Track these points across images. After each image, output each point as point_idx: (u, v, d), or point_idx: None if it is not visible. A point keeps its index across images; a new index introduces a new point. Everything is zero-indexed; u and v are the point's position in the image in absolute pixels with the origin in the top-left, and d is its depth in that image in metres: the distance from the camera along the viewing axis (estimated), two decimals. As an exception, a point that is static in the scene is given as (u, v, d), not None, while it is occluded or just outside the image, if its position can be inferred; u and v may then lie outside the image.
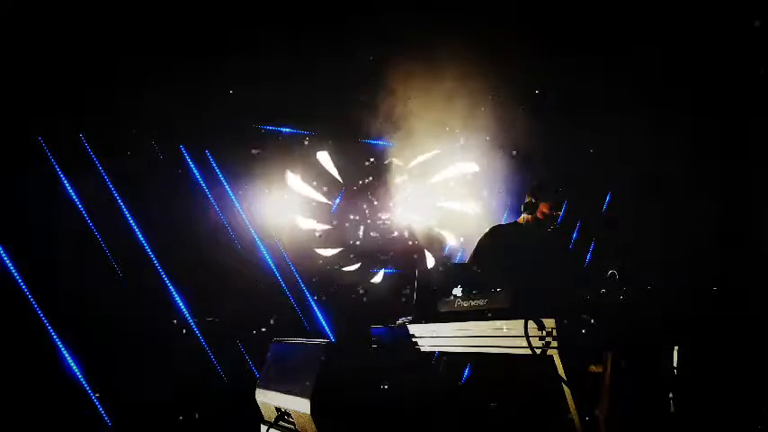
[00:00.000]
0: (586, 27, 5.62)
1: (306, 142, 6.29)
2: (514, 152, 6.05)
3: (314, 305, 6.22)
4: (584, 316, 2.89)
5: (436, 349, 3.69)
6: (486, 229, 4.55)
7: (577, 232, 6.69)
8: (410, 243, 6.43)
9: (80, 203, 5.38)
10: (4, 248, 5.03)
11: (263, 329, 5.76)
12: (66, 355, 5.11)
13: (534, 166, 6.20)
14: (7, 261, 5.03)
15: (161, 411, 5.23)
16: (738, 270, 4.96)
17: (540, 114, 5.96)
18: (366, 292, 6.29)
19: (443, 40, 5.36)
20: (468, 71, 5.62)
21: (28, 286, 5.06)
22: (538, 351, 2.87)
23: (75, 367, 5.13)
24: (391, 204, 6.35)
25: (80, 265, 5.25)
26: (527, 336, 2.86)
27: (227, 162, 6.06)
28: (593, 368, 2.94)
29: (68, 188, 5.36)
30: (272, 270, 6.12)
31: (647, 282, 3.08)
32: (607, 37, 5.61)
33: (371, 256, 6.38)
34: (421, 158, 6.18)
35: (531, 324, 2.89)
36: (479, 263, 4.32)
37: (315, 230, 6.26)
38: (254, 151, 5.95)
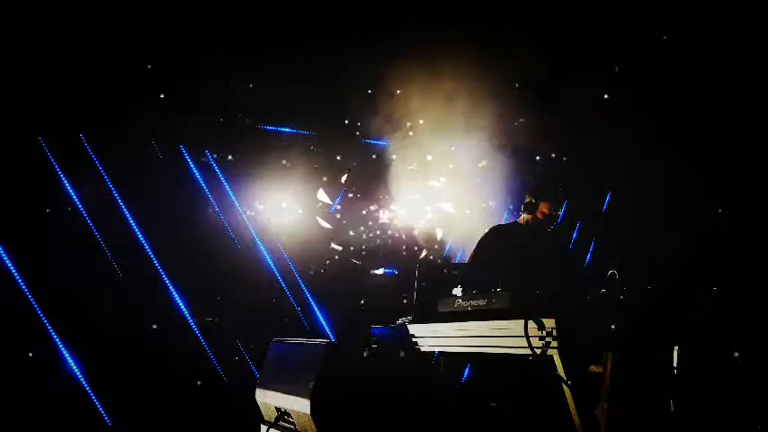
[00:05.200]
0: (586, 26, 5.62)
1: (305, 142, 6.29)
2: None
3: (314, 305, 6.22)
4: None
5: (436, 349, 3.69)
6: (487, 230, 4.55)
7: (577, 232, 6.69)
8: (410, 243, 6.43)
9: (80, 203, 5.38)
10: (4, 248, 5.03)
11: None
12: (67, 355, 5.11)
13: (534, 167, 6.21)
14: (7, 261, 5.03)
15: (161, 411, 5.23)
16: (738, 270, 4.97)
17: (539, 114, 5.96)
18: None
19: (444, 39, 5.37)
20: (468, 71, 5.62)
21: (28, 286, 5.06)
22: (538, 351, 2.87)
23: (75, 367, 5.13)
24: (391, 204, 6.35)
25: (80, 265, 5.25)
26: (527, 336, 2.86)
27: (227, 162, 6.06)
28: (593, 368, 2.94)
29: (68, 188, 5.36)
30: (272, 270, 6.12)
31: (647, 282, 3.08)
32: (608, 36, 5.62)
33: (372, 255, 6.38)
34: (421, 158, 6.18)
35: (531, 324, 2.89)
36: (479, 263, 4.32)
37: (315, 230, 6.26)
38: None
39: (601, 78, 5.83)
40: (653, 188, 6.06)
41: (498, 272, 3.39)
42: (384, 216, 6.39)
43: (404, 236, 6.43)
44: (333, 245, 6.31)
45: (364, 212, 6.41)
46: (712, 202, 5.59)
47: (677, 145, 5.71)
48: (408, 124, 5.91)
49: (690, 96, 5.64)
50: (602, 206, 6.83)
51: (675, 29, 5.37)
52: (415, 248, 6.43)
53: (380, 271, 6.36)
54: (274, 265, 6.13)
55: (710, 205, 5.60)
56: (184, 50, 5.28)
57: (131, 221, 5.57)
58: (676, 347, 3.06)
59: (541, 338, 2.87)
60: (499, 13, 5.34)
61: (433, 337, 3.65)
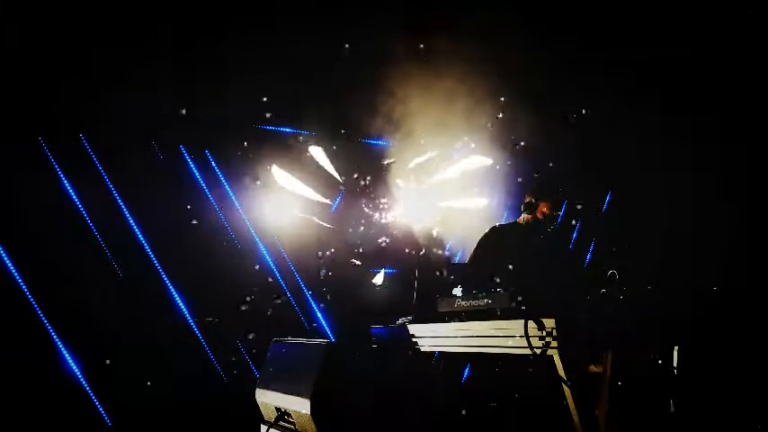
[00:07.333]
0: (586, 25, 5.62)
1: (306, 142, 6.28)
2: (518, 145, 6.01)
3: (314, 305, 6.22)
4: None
5: (436, 349, 3.70)
6: (486, 230, 4.56)
7: (577, 232, 6.69)
8: (410, 243, 6.42)
9: (80, 203, 5.38)
10: (4, 248, 5.03)
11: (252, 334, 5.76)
12: (66, 355, 5.11)
13: (534, 167, 6.20)
14: (7, 261, 5.03)
15: (161, 412, 5.22)
16: (738, 270, 4.97)
17: (541, 114, 5.96)
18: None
19: (443, 38, 5.37)
20: (469, 70, 5.62)
21: (28, 286, 5.06)
22: (538, 351, 2.87)
23: (75, 367, 5.13)
24: (391, 204, 6.34)
25: (80, 265, 5.25)
26: (527, 336, 2.87)
27: (227, 162, 6.06)
28: (593, 368, 2.94)
29: (68, 188, 5.36)
30: (272, 270, 6.12)
31: (647, 282, 3.09)
32: (608, 35, 5.61)
33: (372, 256, 6.37)
34: (421, 158, 6.17)
35: (531, 324, 2.89)
36: (479, 263, 4.32)
37: (315, 230, 6.26)
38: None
39: (602, 76, 5.83)
40: (653, 188, 6.06)
41: (498, 272, 3.39)
42: (384, 217, 6.39)
43: (403, 236, 6.42)
44: (331, 246, 6.30)
45: (363, 212, 6.40)
46: (713, 201, 5.59)
47: (677, 145, 5.71)
48: (407, 124, 5.90)
49: (690, 95, 5.64)
50: (602, 206, 6.83)
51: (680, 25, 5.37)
52: (415, 249, 6.43)
53: (380, 279, 6.33)
54: (274, 265, 6.13)
55: (711, 205, 5.59)
56: (183, 50, 5.28)
57: (131, 221, 5.57)
58: (676, 347, 3.06)
59: (541, 338, 2.88)
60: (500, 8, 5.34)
61: (433, 337, 3.65)
